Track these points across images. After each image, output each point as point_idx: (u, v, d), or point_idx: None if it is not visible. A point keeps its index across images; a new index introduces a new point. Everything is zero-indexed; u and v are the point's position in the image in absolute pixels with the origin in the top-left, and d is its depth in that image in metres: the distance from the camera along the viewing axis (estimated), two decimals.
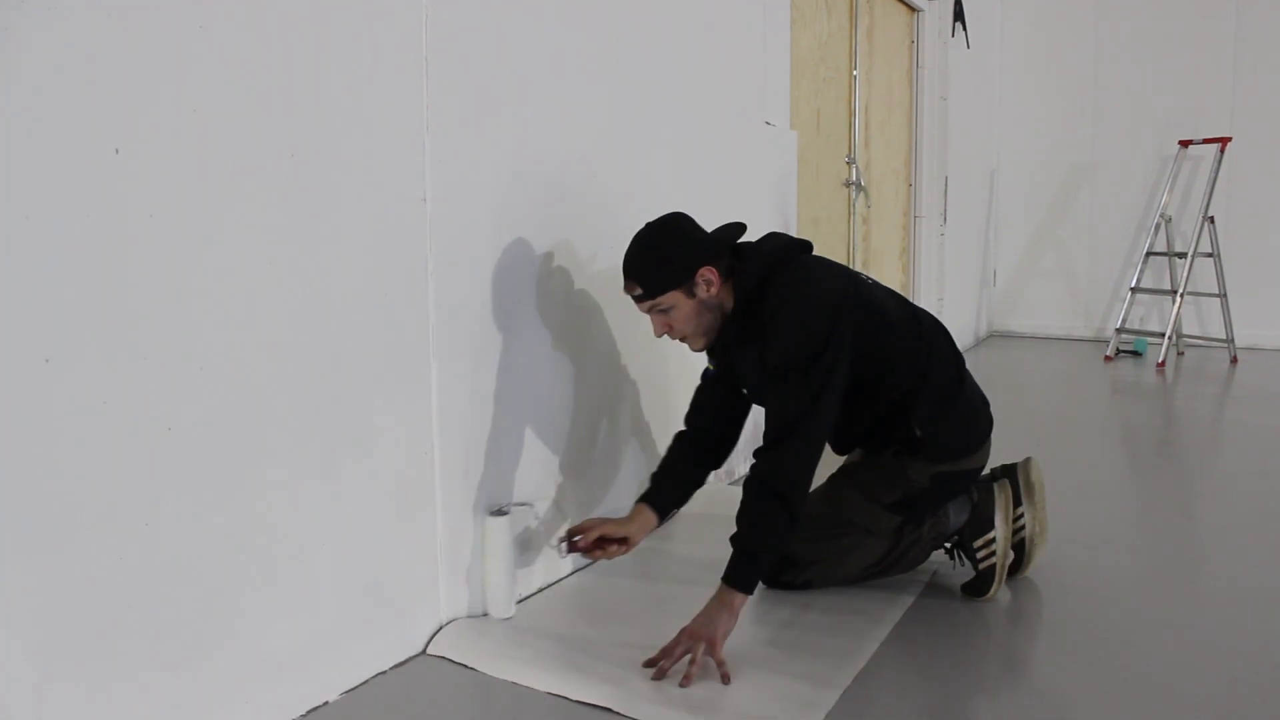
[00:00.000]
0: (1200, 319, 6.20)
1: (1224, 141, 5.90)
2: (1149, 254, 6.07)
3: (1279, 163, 6.06)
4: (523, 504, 2.12)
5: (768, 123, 3.29)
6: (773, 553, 1.91)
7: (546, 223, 2.18)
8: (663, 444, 2.69)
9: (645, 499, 2.13)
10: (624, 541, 2.06)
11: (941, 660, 1.88)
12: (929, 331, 2.11)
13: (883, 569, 2.15)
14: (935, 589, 2.20)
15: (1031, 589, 2.26)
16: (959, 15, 5.55)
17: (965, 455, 2.10)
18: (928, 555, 2.19)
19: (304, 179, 1.59)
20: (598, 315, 2.38)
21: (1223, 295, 5.71)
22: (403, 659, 1.85)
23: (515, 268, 2.08)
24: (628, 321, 2.49)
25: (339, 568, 1.70)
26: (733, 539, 1.85)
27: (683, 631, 1.78)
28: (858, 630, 1.97)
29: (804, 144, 3.97)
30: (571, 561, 2.27)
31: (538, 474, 2.19)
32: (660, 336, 2.00)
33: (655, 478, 2.19)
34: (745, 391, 2.11)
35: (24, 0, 1.21)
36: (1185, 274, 5.70)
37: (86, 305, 1.29)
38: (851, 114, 4.63)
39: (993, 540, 2.11)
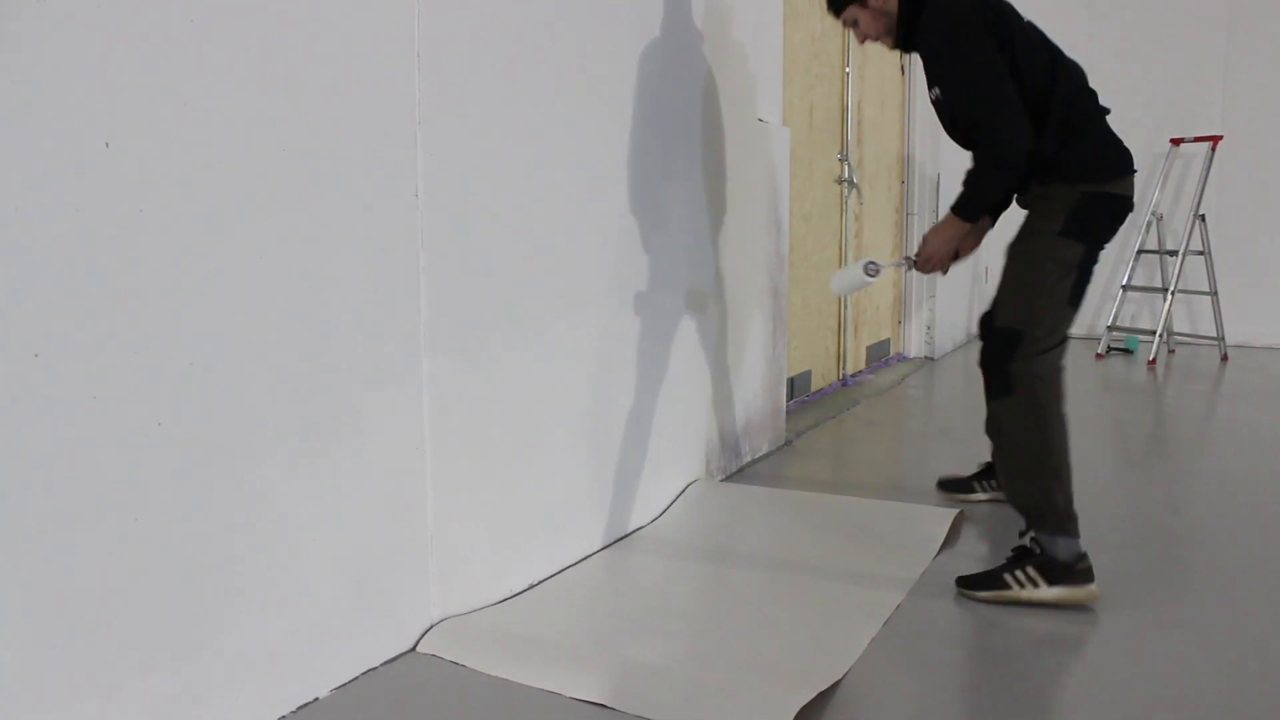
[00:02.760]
0: (1191, 317, 6.22)
1: (1215, 140, 5.92)
2: (1140, 252, 6.09)
3: (1270, 161, 6.08)
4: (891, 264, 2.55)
5: (760, 119, 3.29)
6: (985, 197, 2.21)
7: (538, 218, 2.17)
8: (660, 445, 2.69)
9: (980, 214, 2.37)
10: (964, 251, 2.47)
11: (932, 657, 1.89)
12: (1061, 61, 2.30)
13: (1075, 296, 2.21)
14: (925, 587, 2.21)
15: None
16: None
17: (1103, 178, 2.20)
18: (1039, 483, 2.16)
19: (295, 174, 1.58)
20: (591, 311, 2.38)
21: (1213, 293, 5.73)
22: (393, 655, 1.84)
23: (507, 263, 2.08)
24: (621, 318, 2.49)
25: (329, 564, 1.69)
26: (964, 187, 2.21)
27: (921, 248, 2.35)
28: (848, 627, 2.00)
29: (797, 140, 3.97)
30: (558, 562, 2.28)
31: (529, 469, 2.19)
32: (862, 43, 2.48)
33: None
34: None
35: None
36: (1176, 272, 5.72)
37: (76, 300, 1.28)
38: (844, 110, 4.64)
39: (1038, 586, 2.11)
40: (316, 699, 1.68)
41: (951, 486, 2.95)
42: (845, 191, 4.65)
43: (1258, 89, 6.08)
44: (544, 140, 2.18)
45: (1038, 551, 2.14)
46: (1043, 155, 2.18)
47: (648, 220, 2.61)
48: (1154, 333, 5.65)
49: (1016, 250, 2.26)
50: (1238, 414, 4.23)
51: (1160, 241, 6.08)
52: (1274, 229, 6.12)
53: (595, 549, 2.43)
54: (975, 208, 2.24)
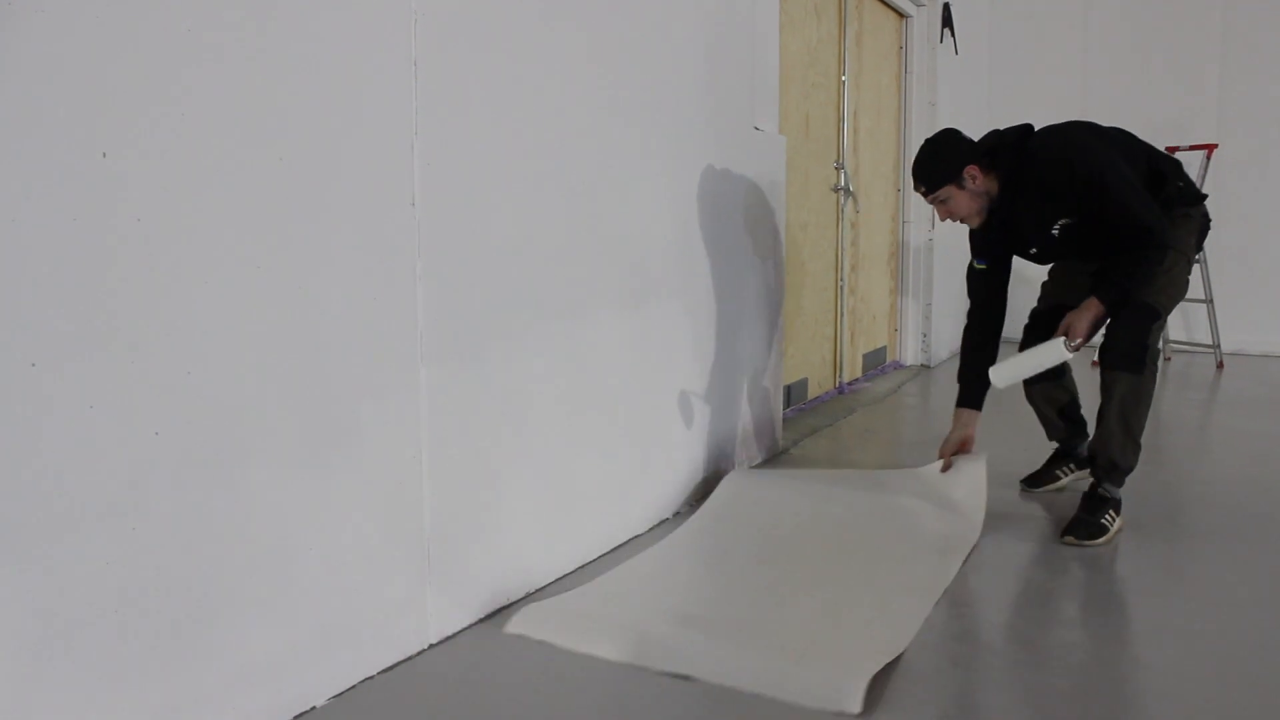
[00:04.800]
0: (1187, 324, 6.23)
1: (1210, 148, 5.94)
2: None
3: (1265, 170, 6.11)
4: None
5: (757, 128, 3.30)
6: (1141, 284, 2.53)
7: (535, 227, 2.18)
8: (657, 452, 2.69)
9: (965, 404, 2.83)
10: (967, 443, 2.82)
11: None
12: (1133, 137, 2.73)
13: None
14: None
15: (1014, 597, 2.27)
16: (947, 21, 5.57)
17: (1198, 202, 2.75)
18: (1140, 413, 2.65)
19: (292, 182, 1.59)
20: (587, 319, 2.38)
21: (1209, 301, 5.74)
22: (390, 664, 1.84)
23: (504, 271, 2.08)
24: (617, 326, 2.50)
25: (327, 572, 1.69)
26: (1108, 275, 2.53)
27: (1065, 321, 2.56)
28: (908, 597, 2.17)
29: (793, 149, 3.98)
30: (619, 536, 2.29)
31: (526, 478, 2.19)
32: (944, 220, 2.73)
33: (963, 379, 2.86)
34: (1034, 250, 2.75)
35: (12, 1, 1.20)
36: None
37: (74, 309, 1.29)
38: (840, 119, 4.65)
39: (1114, 521, 2.63)
40: (314, 708, 1.68)
41: (1034, 481, 3.07)
42: (841, 200, 4.66)
43: (1252, 98, 6.10)
44: (541, 148, 2.18)
45: (1108, 496, 2.66)
46: (1170, 196, 2.65)
47: (644, 229, 2.61)
48: (1162, 343, 5.64)
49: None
50: (1233, 421, 4.24)
51: None
52: (1269, 237, 6.14)
53: (593, 556, 2.43)
54: (1123, 295, 2.53)
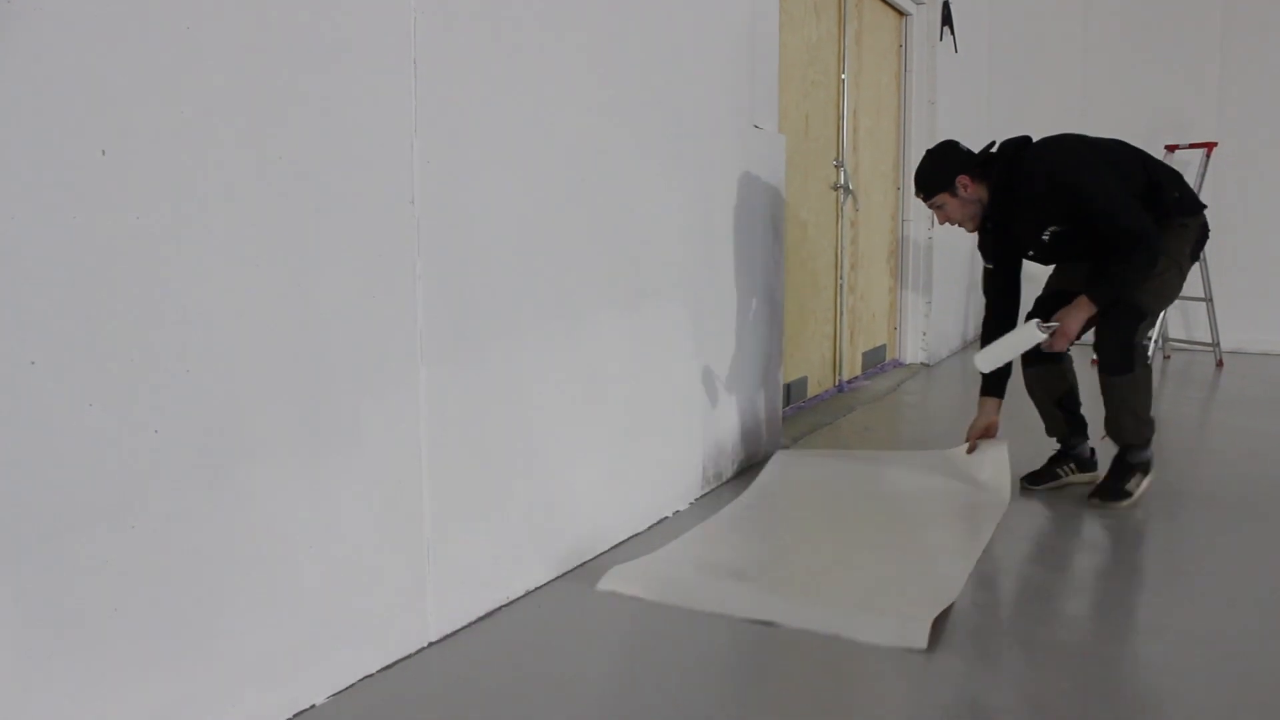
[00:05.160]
0: (1186, 323, 6.23)
1: (1210, 146, 5.94)
2: None
3: (1265, 168, 6.11)
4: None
5: (756, 126, 3.30)
6: (1127, 286, 2.68)
7: (535, 225, 2.18)
8: (657, 450, 2.70)
9: (987, 392, 3.04)
10: (991, 429, 3.05)
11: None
12: (1137, 150, 2.87)
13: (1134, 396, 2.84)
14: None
15: (1011, 594, 2.28)
16: (947, 19, 5.57)
17: (1196, 212, 2.88)
18: (1142, 412, 2.87)
19: (292, 181, 1.59)
20: (587, 317, 2.38)
21: (1209, 299, 5.75)
22: (390, 662, 1.84)
23: (504, 270, 2.08)
24: (618, 324, 2.50)
25: (326, 571, 1.70)
26: (1100, 276, 2.68)
27: (1059, 321, 2.72)
28: (956, 554, 2.44)
29: (792, 147, 3.98)
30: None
31: (526, 476, 2.19)
32: (942, 224, 2.98)
33: (985, 330, 3.08)
34: (1031, 253, 2.93)
35: (11, 0, 1.20)
36: None
37: (73, 307, 1.29)
38: (840, 117, 4.65)
39: (1141, 484, 2.90)
40: (314, 705, 1.68)
41: (1035, 479, 3.10)
42: (841, 198, 4.66)
43: (1252, 96, 6.11)
44: (542, 147, 2.18)
45: (1133, 462, 2.89)
46: (1165, 205, 2.76)
47: (644, 227, 2.61)
48: (1149, 339, 5.65)
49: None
50: (1233, 420, 4.24)
51: None
52: (1269, 235, 6.14)
53: (590, 556, 2.43)
54: (1111, 291, 2.68)
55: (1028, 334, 2.77)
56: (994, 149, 2.90)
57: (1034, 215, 2.81)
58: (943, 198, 2.89)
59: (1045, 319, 2.79)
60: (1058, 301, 2.86)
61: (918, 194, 2.97)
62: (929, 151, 2.98)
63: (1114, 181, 2.69)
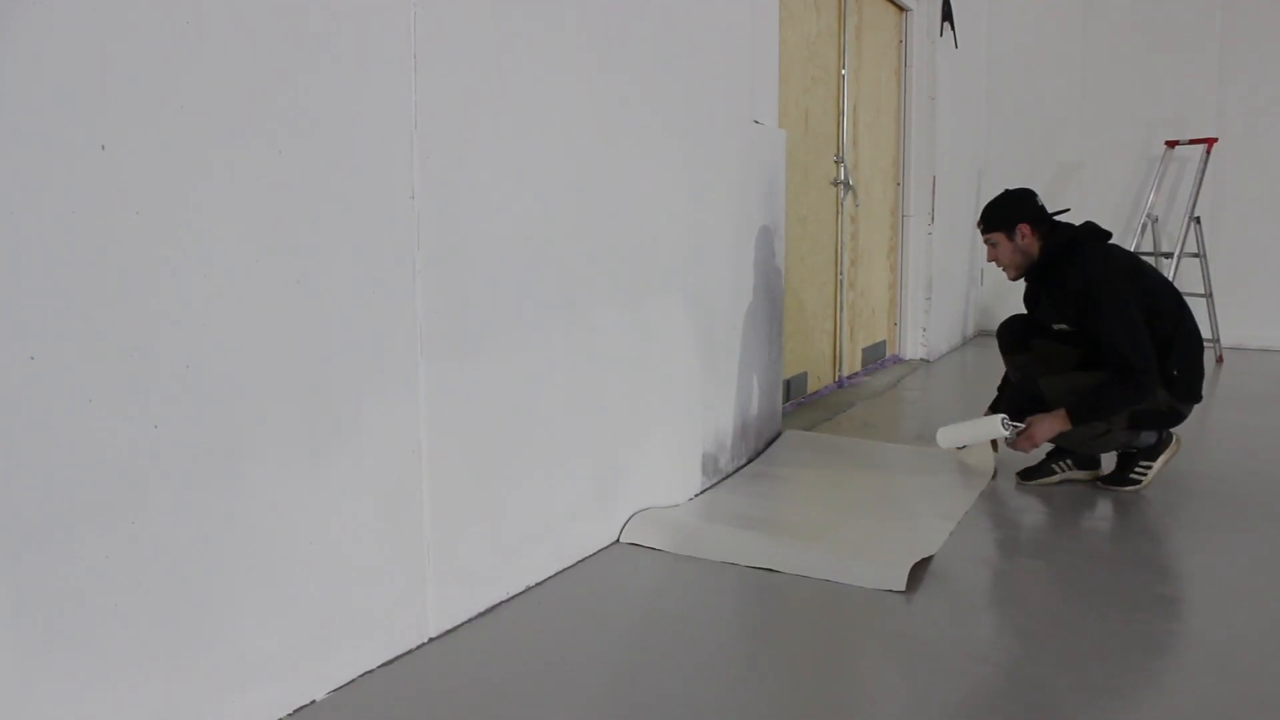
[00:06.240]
0: None
1: (1210, 142, 5.93)
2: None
3: (1264, 163, 6.10)
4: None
5: (756, 121, 3.29)
6: (1108, 414, 2.82)
7: (535, 222, 2.18)
8: (657, 445, 2.69)
9: (993, 410, 3.13)
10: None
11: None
12: (1183, 307, 2.95)
13: (1093, 443, 2.96)
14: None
15: (1015, 589, 2.27)
16: (947, 15, 5.56)
17: (1188, 402, 2.95)
18: (1110, 449, 3.01)
19: (291, 176, 1.58)
20: (587, 313, 2.38)
21: (1209, 295, 5.75)
22: (390, 658, 1.84)
23: (504, 266, 2.08)
24: (618, 320, 2.49)
25: (325, 566, 1.69)
26: (1085, 393, 2.79)
27: (1026, 428, 2.86)
28: (937, 519, 2.71)
29: (792, 143, 3.97)
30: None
31: (526, 473, 2.19)
32: (990, 261, 3.09)
33: (1000, 388, 3.28)
34: (1039, 314, 3.07)
35: None
36: (1172, 274, 5.73)
37: (72, 303, 1.28)
38: (840, 113, 4.64)
39: (1149, 467, 2.99)
40: (314, 701, 1.68)
41: (1030, 474, 3.14)
42: (841, 194, 4.66)
43: (1252, 91, 6.10)
44: (540, 143, 2.18)
45: (1137, 448, 2.97)
46: (1169, 372, 2.86)
47: (644, 222, 2.61)
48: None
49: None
50: (1232, 416, 4.24)
51: (1156, 244, 6.09)
52: (1269, 231, 6.14)
53: (593, 550, 2.43)
54: (1093, 415, 2.80)
55: (991, 427, 2.90)
56: (1063, 215, 3.04)
57: (1054, 303, 2.95)
58: (998, 236, 2.99)
59: (1022, 408, 2.94)
60: (1042, 365, 3.03)
61: (979, 224, 3.07)
62: (1007, 190, 3.07)
63: (1133, 311, 2.77)
